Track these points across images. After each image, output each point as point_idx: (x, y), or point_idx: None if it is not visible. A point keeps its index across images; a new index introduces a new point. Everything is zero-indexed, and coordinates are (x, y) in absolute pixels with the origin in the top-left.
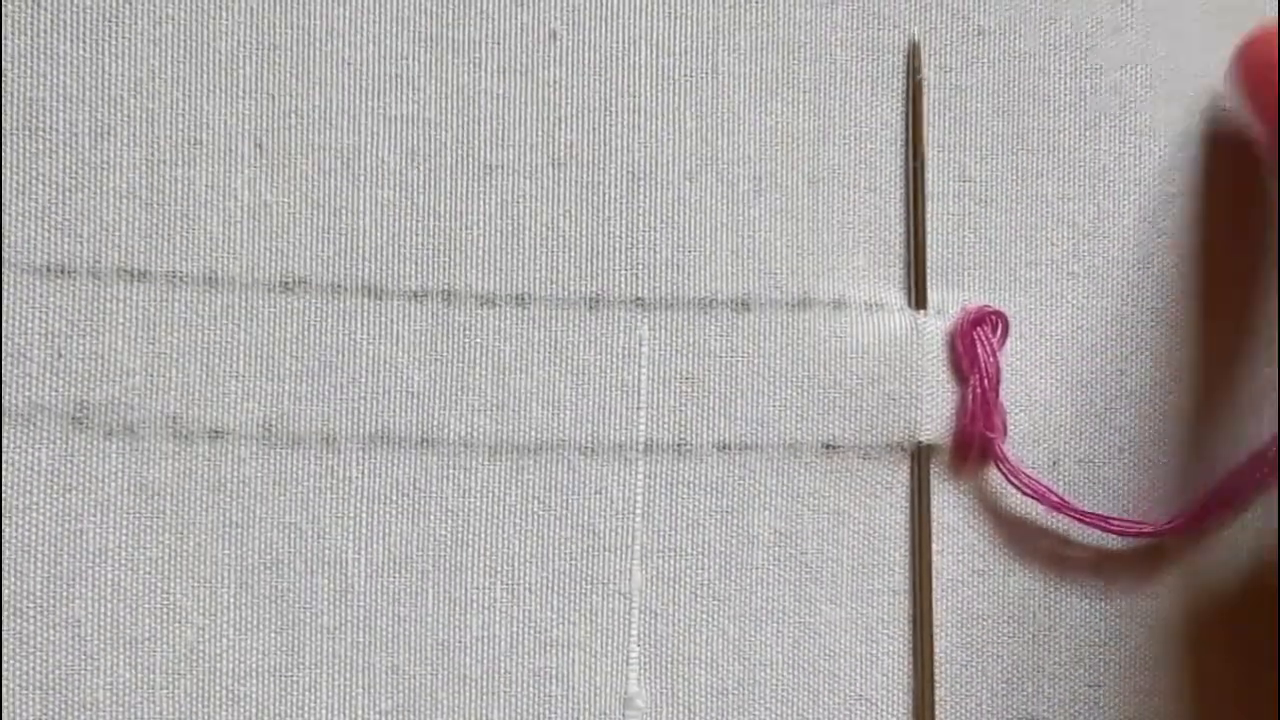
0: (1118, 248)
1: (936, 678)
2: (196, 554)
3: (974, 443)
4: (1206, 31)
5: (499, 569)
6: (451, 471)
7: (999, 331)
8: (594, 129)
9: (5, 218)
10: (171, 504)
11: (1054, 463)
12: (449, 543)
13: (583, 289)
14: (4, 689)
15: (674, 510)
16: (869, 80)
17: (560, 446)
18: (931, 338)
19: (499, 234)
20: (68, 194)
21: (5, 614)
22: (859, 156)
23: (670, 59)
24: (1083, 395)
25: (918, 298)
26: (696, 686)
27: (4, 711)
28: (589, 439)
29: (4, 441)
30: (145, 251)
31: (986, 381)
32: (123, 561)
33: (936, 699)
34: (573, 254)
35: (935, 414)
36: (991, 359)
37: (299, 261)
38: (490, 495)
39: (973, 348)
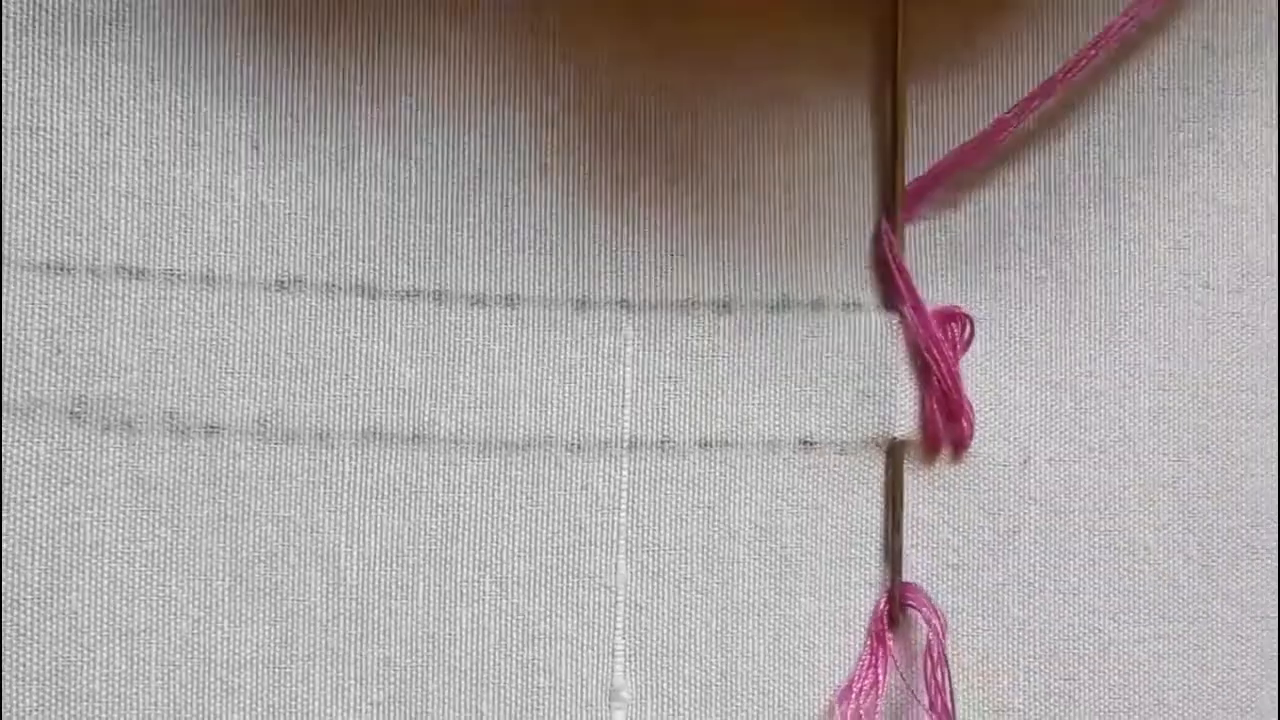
0: (1084, 253)
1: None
2: (192, 547)
3: (940, 439)
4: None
5: (488, 563)
6: (442, 467)
7: (965, 332)
8: (581, 134)
9: (5, 215)
10: (168, 498)
11: (1025, 461)
12: (439, 537)
13: (570, 291)
14: (2, 679)
15: (658, 505)
16: (846, 88)
17: (547, 443)
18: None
19: (489, 237)
20: (67, 192)
21: (3, 605)
22: (836, 162)
23: (654, 66)
24: (1053, 395)
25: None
26: (680, 678)
27: (2, 701)
28: (575, 436)
29: (3, 436)
30: (143, 250)
31: (949, 380)
32: (119, 554)
33: None
34: (560, 257)
35: (908, 410)
36: (952, 358)
37: (294, 261)
38: (479, 490)
39: (934, 347)
